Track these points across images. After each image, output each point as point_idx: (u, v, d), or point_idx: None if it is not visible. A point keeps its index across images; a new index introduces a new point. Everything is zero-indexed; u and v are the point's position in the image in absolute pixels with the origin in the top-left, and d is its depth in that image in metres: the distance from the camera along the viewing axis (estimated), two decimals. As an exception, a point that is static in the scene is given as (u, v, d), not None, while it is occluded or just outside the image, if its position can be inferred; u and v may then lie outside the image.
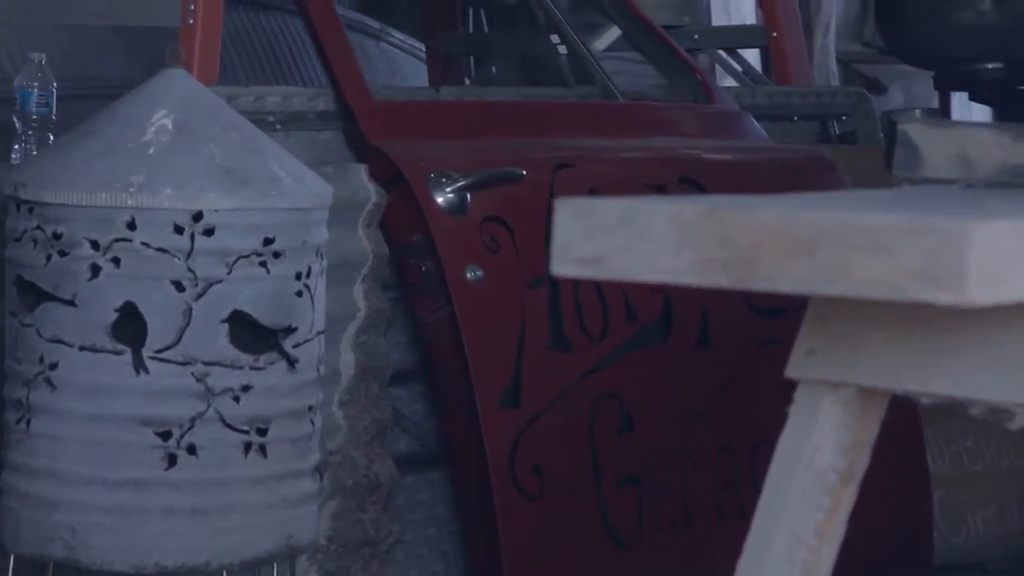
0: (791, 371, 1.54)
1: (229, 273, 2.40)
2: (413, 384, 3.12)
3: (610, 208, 1.27)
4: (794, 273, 1.20)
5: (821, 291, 1.20)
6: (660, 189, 3.41)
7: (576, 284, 3.25)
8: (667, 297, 3.32)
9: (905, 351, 1.45)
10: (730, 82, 4.38)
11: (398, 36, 5.45)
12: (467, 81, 4.65)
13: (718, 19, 6.27)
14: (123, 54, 4.32)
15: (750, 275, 1.21)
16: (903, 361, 1.46)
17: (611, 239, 1.26)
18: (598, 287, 3.26)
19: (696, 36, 4.34)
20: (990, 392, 1.46)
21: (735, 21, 6.45)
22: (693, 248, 1.22)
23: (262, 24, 5.03)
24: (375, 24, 5.35)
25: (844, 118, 4.22)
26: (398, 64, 5.51)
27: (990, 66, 4.87)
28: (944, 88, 5.50)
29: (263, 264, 2.43)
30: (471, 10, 4.39)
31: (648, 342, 3.27)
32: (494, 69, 4.40)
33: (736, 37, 4.40)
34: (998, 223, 1.19)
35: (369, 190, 2.93)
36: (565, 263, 1.27)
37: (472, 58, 4.55)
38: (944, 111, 6.12)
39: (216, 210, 2.39)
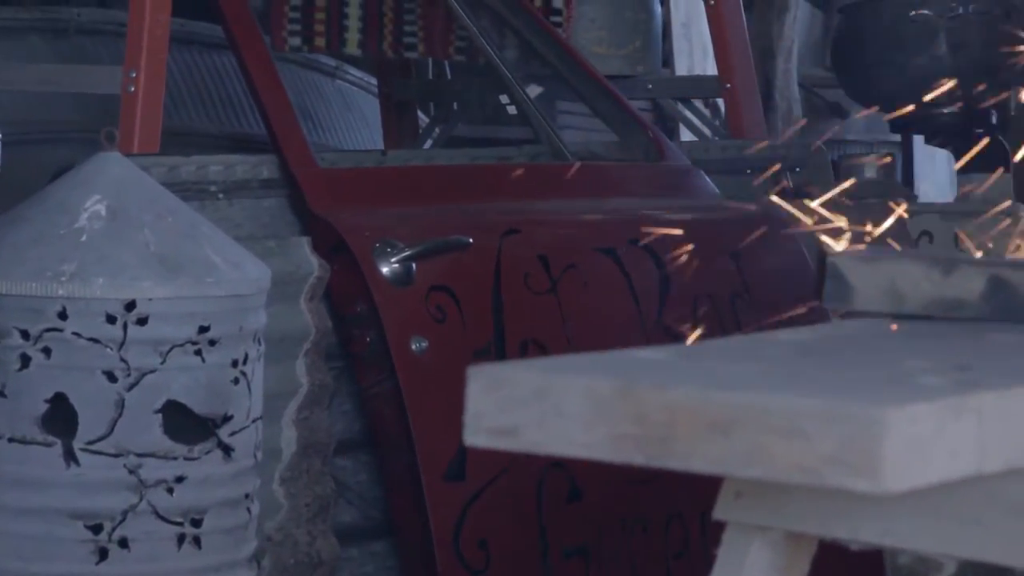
0: (718, 513, 1.51)
1: (163, 362, 2.36)
2: (358, 454, 3.09)
3: (524, 380, 1.24)
4: (710, 453, 1.17)
5: (737, 473, 1.18)
6: (610, 252, 3.39)
7: (524, 350, 3.22)
8: (616, 362, 3.29)
9: (833, 498, 1.42)
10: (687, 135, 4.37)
11: (354, 73, 5.41)
12: (422, 124, 4.62)
13: (679, 44, 6.25)
14: (70, 97, 4.28)
15: (664, 453, 1.18)
16: (831, 508, 1.43)
17: (525, 411, 1.23)
18: (546, 352, 3.23)
19: (650, 86, 4.32)
20: (919, 542, 1.43)
21: (696, 48, 6.44)
22: (607, 424, 1.20)
23: (215, 64, 4.99)
24: (331, 62, 5.32)
25: (798, 170, 4.20)
26: (354, 101, 5.48)
27: (946, 110, 4.87)
28: (901, 131, 5.50)
29: (198, 352, 2.39)
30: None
31: (596, 408, 3.25)
32: (447, 122, 4.38)
33: (690, 88, 4.39)
34: (915, 407, 1.17)
35: (312, 263, 2.90)
36: (478, 433, 1.24)
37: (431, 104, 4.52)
38: (906, 151, 6.12)
39: (150, 299, 2.35)
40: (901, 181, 6.33)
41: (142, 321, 2.35)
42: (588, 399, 1.21)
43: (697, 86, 4.40)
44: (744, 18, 4.30)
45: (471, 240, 3.12)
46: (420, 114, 4.69)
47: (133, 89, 2.96)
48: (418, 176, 3.27)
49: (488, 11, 3.58)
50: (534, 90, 3.66)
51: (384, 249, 3.02)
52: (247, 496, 2.49)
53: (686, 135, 4.69)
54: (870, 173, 5.00)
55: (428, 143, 4.48)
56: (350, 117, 5.36)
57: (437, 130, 4.46)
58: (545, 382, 1.23)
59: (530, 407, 1.22)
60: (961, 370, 1.33)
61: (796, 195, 4.32)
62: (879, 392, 1.19)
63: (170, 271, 2.37)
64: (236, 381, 2.45)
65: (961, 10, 4.80)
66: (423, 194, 3.20)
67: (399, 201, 3.15)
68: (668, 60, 5.88)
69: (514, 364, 1.28)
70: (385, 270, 3.01)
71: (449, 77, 4.37)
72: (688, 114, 4.32)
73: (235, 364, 2.44)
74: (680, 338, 3.54)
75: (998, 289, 1.60)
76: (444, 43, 3.55)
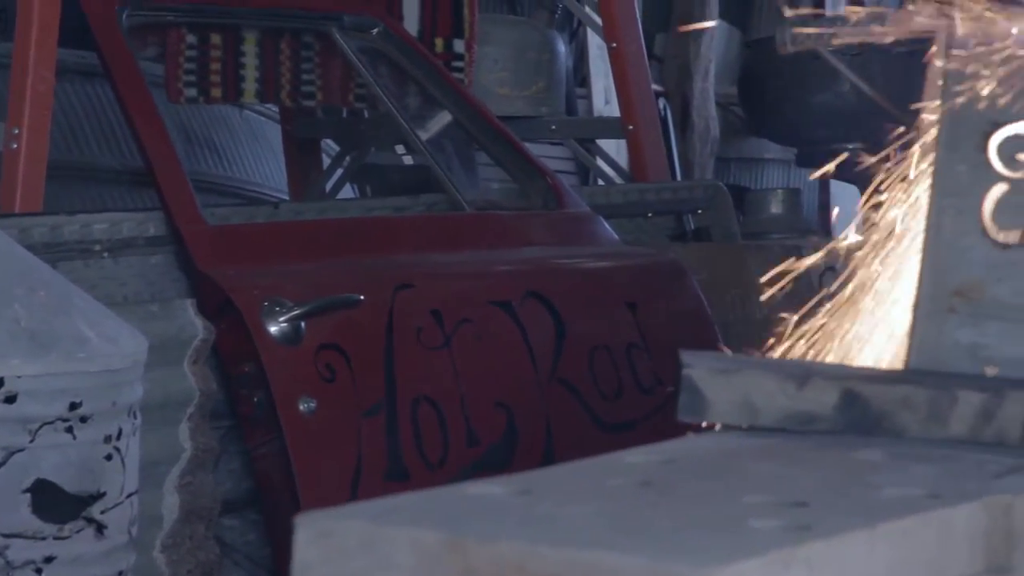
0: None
1: (32, 441, 2.32)
2: (246, 513, 3.05)
3: (351, 531, 1.22)
4: (536, 609, 1.15)
5: (563, 629, 1.16)
6: (506, 306, 3.37)
7: (416, 407, 3.20)
8: (511, 416, 3.27)
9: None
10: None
11: (262, 104, 5.37)
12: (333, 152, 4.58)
13: (597, 87, 6.24)
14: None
15: (492, 608, 1.16)
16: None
17: (350, 563, 1.21)
18: (438, 409, 3.22)
19: (553, 127, 4.30)
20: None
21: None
22: (434, 578, 1.17)
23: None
24: (238, 93, 5.27)
25: (700, 211, 4.20)
26: (262, 133, 5.43)
27: (850, 146, 4.90)
28: (806, 167, 5.52)
29: (69, 430, 2.35)
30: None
31: (491, 465, 3.22)
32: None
33: (593, 129, 4.38)
34: (742, 564, 1.15)
35: (196, 326, 2.86)
36: (305, 583, 1.21)
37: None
38: (823, 187, 6.15)
39: (19, 376, 2.31)
40: (818, 215, 6.36)
41: (10, 399, 2.31)
42: (415, 551, 1.19)
43: (600, 127, 4.39)
44: (647, 60, 4.30)
45: (362, 297, 3.09)
46: (332, 142, 4.66)
47: (16, 146, 2.91)
48: (310, 231, 3.23)
49: (386, 59, 3.55)
50: (430, 132, 3.63)
51: (272, 308, 2.99)
52: (121, 574, 2.45)
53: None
54: (775, 208, 5.02)
55: (339, 172, 4.45)
56: (258, 148, 5.31)
57: (348, 159, 4.43)
58: (372, 533, 1.21)
59: (356, 559, 1.20)
60: (799, 506, 1.33)
61: (697, 236, 4.33)
62: (709, 542, 1.18)
63: (40, 347, 2.33)
64: (109, 457, 2.41)
65: (864, 48, 4.83)
66: (315, 249, 3.17)
67: (289, 257, 3.12)
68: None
69: (341, 512, 1.26)
70: (273, 329, 2.98)
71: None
72: (592, 158, 4.31)
73: (108, 440, 2.40)
74: (575, 391, 3.54)
75: (851, 402, 1.60)
76: (343, 91, 3.52)
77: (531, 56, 4.25)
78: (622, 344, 3.51)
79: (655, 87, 6.90)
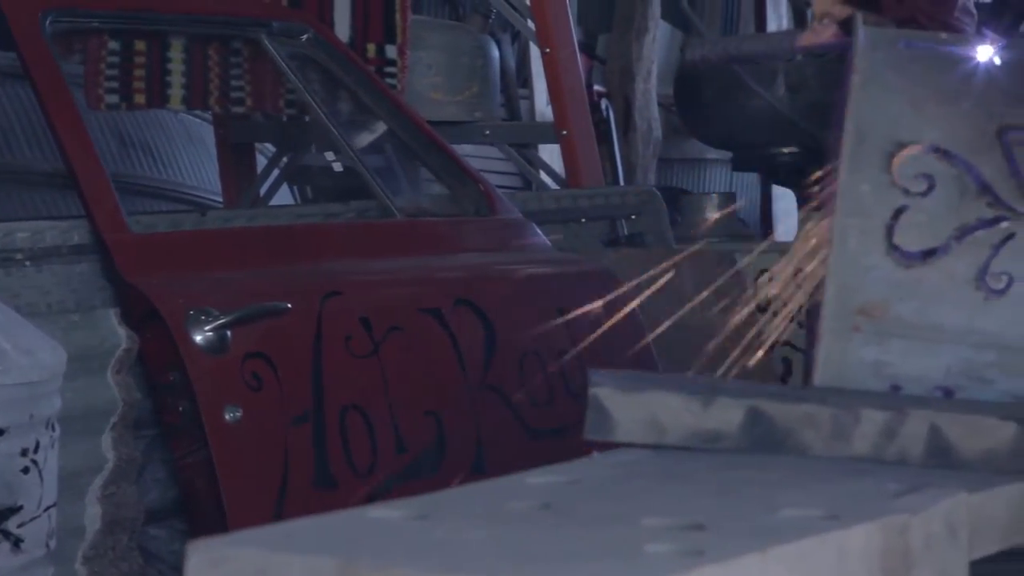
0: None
1: (-52, 455, 2.30)
2: (172, 523, 3.04)
3: (244, 558, 1.21)
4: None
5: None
6: (435, 313, 3.36)
7: (344, 416, 3.19)
8: (440, 424, 3.27)
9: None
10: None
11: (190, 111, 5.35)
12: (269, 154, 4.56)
13: (540, 88, 6.23)
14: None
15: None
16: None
17: (242, 590, 1.20)
18: (367, 417, 3.21)
19: (487, 132, 4.30)
20: None
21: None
22: (325, 605, 1.17)
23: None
24: (173, 96, 5.24)
25: (633, 217, 4.21)
26: (199, 135, 5.41)
27: (785, 150, 4.92)
28: (742, 170, 5.54)
29: (-14, 443, 2.33)
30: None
31: (420, 473, 3.22)
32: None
33: (527, 134, 4.38)
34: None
35: (119, 335, 2.84)
36: (197, 611, 1.20)
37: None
38: (764, 189, 6.16)
39: (-66, 390, 2.29)
40: (760, 219, 6.38)
41: (-74, 413, 2.29)
42: (307, 579, 1.18)
43: (534, 133, 4.39)
44: (580, 66, 4.31)
45: (289, 305, 3.08)
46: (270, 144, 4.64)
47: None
48: (237, 238, 3.22)
49: (316, 66, 3.54)
50: (361, 138, 3.63)
51: (198, 317, 2.97)
52: (39, 587, 2.43)
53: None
54: (710, 213, 5.04)
55: (275, 173, 4.43)
56: (194, 151, 5.29)
57: (285, 159, 4.41)
58: (265, 560, 1.21)
59: (248, 586, 1.20)
60: (696, 529, 1.33)
61: (630, 242, 4.33)
62: (602, 570, 1.17)
63: (-44, 360, 2.31)
64: (26, 470, 2.39)
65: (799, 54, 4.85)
66: (242, 257, 3.15)
67: (216, 265, 3.10)
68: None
69: (234, 538, 1.25)
70: (198, 338, 2.96)
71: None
72: (524, 162, 4.31)
73: (25, 453, 2.39)
74: (506, 398, 3.54)
75: (756, 421, 1.60)
76: (273, 97, 3.51)
77: (465, 61, 4.25)
78: (553, 351, 3.51)
79: (597, 88, 6.92)
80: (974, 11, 7.19)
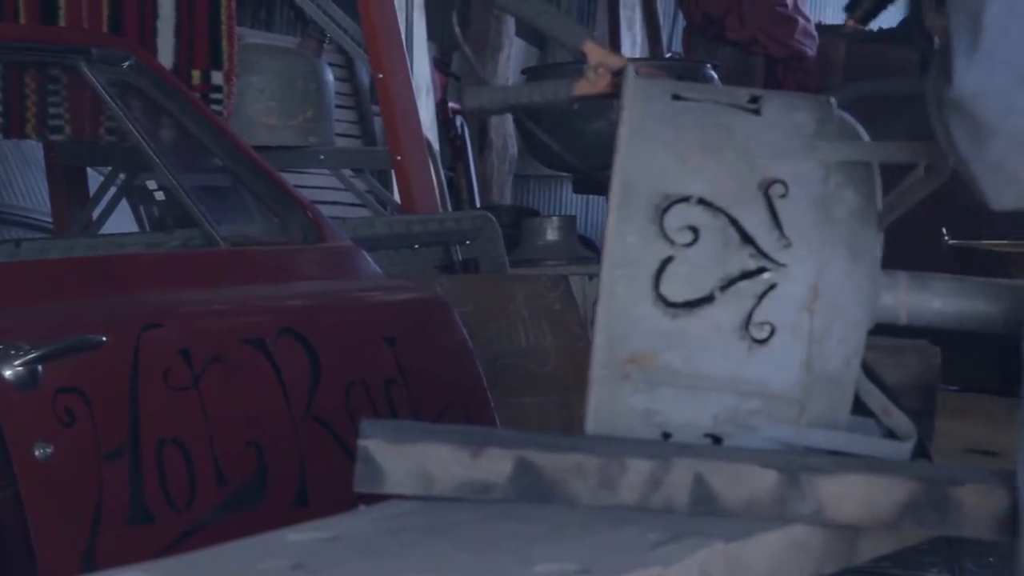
0: None
1: None
2: (-17, 562, 2.98)
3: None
4: None
5: None
6: (258, 343, 3.33)
7: (161, 449, 3.15)
8: (261, 455, 3.24)
9: None
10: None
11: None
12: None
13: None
14: None
15: None
16: None
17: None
18: (185, 450, 3.17)
19: (322, 157, 4.28)
20: None
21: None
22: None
23: None
24: (8, 117, 5.16)
25: (468, 242, 4.22)
26: (35, 157, 5.33)
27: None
28: (582, 192, 5.58)
29: None
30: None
31: (242, 506, 3.19)
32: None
33: (362, 159, 4.37)
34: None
35: (-77, 372, 2.78)
36: None
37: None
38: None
39: None
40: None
41: None
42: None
43: (368, 158, 4.38)
44: (413, 91, 4.31)
45: (104, 338, 3.04)
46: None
47: None
48: (53, 270, 3.16)
49: (138, 92, 3.50)
50: (184, 166, 3.59)
51: (7, 351, 2.91)
52: None
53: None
54: (551, 235, 5.06)
55: (112, 191, 4.36)
56: (29, 173, 5.21)
57: (122, 176, 4.35)
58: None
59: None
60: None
61: (465, 268, 4.34)
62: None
63: None
64: None
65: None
66: (57, 289, 3.10)
67: (29, 298, 3.04)
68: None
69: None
70: (7, 373, 2.90)
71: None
72: (359, 185, 4.29)
73: None
74: (330, 428, 3.52)
75: (524, 471, 1.61)
76: (93, 124, 3.46)
77: (299, 85, 4.22)
78: (380, 380, 3.50)
79: (452, 104, 6.92)
80: (815, 33, 7.32)
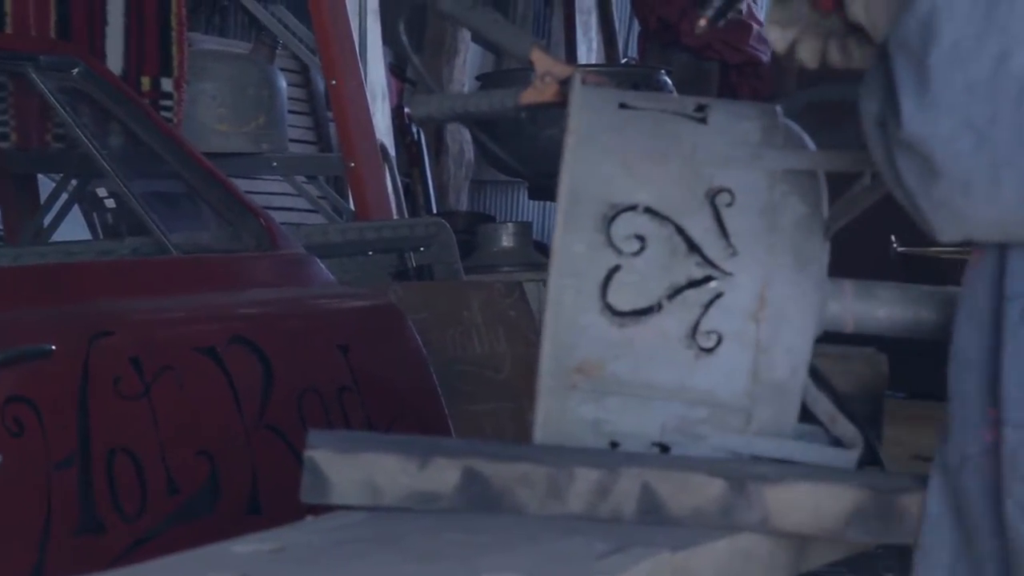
0: None
1: None
2: (-69, 573, 2.95)
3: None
4: None
5: None
6: (210, 351, 3.32)
7: (111, 459, 3.13)
8: (213, 464, 3.23)
9: None
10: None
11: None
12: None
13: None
14: None
15: None
16: None
17: None
18: (136, 459, 3.15)
19: (275, 164, 4.27)
20: None
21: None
22: None
23: None
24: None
25: (422, 249, 4.21)
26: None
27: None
28: (538, 198, 5.58)
29: None
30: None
31: (194, 514, 3.17)
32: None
33: (315, 166, 4.35)
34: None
35: None
36: None
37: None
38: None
39: None
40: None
41: None
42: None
43: (321, 165, 4.37)
44: (367, 97, 4.30)
45: (53, 347, 3.02)
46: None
47: None
48: (1, 278, 3.14)
49: (87, 99, 3.48)
50: (134, 173, 3.57)
51: (-46, 362, 2.90)
52: None
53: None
54: (506, 242, 5.06)
55: (63, 197, 4.33)
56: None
57: (73, 183, 4.32)
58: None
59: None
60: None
61: (419, 275, 4.33)
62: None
63: None
64: None
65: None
66: (6, 298, 3.08)
67: (-24, 307, 3.02)
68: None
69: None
70: (-45, 384, 2.89)
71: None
72: (314, 191, 4.28)
73: None
74: (283, 436, 3.51)
75: (472, 481, 1.60)
76: (40, 131, 3.44)
77: (251, 92, 4.21)
78: (333, 388, 3.49)
79: (408, 110, 6.91)
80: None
